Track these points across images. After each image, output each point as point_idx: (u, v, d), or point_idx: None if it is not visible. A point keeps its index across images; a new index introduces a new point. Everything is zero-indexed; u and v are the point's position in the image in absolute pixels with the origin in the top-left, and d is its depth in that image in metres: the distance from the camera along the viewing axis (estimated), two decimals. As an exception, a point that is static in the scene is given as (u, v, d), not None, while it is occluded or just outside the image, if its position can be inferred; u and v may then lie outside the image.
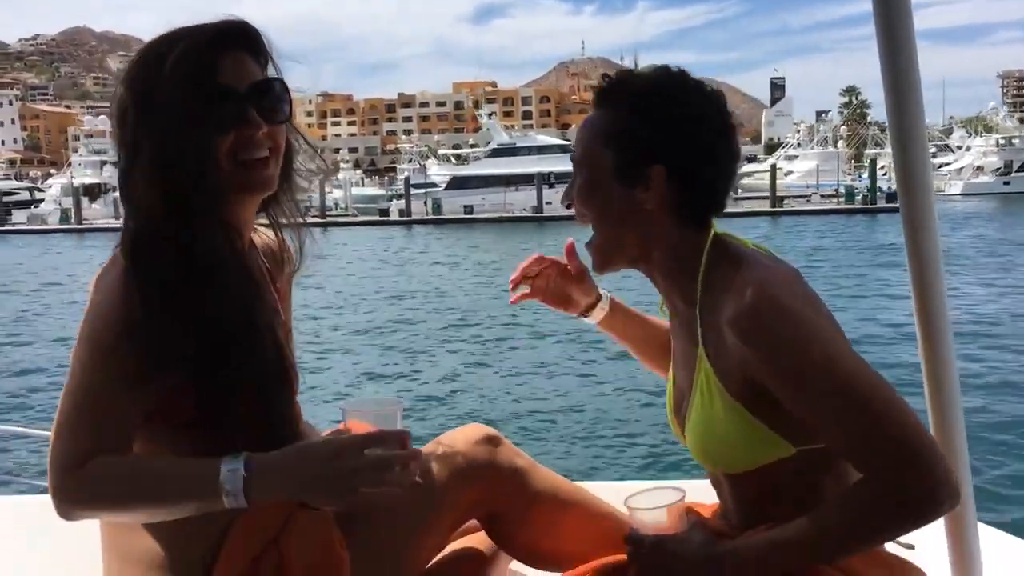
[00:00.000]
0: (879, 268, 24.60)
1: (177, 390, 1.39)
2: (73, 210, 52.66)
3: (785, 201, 51.49)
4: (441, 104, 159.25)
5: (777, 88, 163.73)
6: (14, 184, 72.49)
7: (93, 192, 56.30)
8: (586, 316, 1.87)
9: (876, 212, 45.81)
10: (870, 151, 74.08)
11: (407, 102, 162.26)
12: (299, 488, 1.35)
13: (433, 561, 1.69)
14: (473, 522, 1.74)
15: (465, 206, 50.18)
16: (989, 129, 76.52)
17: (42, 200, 61.35)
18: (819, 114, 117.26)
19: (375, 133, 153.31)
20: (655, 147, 1.46)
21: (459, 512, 1.67)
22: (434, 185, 54.89)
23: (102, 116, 75.38)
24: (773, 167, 54.22)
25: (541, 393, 12.33)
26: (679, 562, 1.40)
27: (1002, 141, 65.16)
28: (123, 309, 1.36)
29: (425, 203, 52.18)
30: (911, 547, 1.53)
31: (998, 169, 63.42)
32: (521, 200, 49.61)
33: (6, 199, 58.06)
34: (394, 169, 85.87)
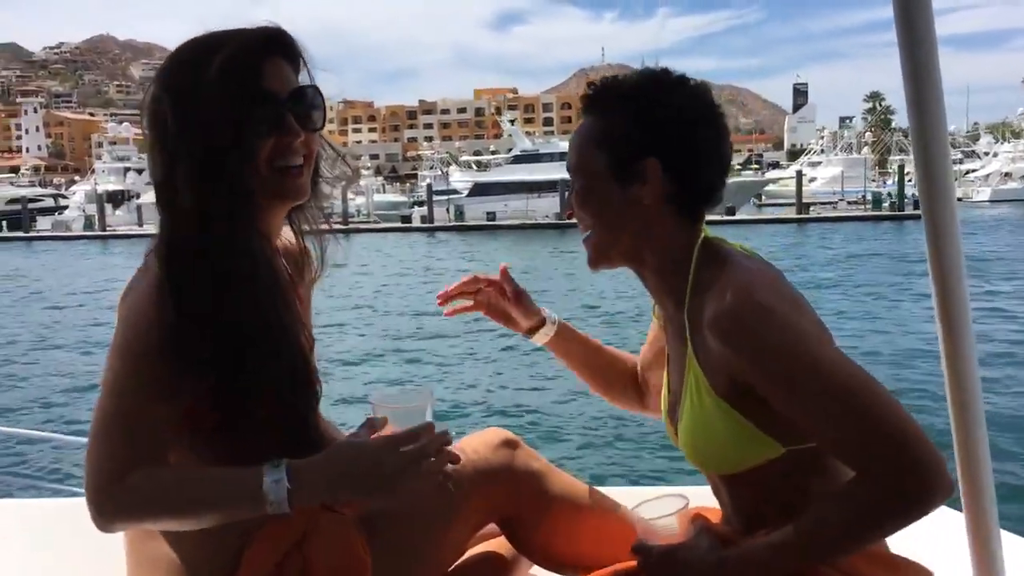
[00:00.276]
0: (915, 277, 24.12)
1: (201, 395, 1.39)
2: (97, 216, 52.83)
3: (811, 208, 50.86)
4: (462, 111, 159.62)
5: (800, 94, 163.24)
6: (38, 191, 72.65)
7: (116, 199, 56.54)
8: (529, 336, 1.94)
9: (904, 219, 45.12)
10: (895, 157, 73.59)
11: (428, 109, 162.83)
12: (341, 493, 1.38)
13: (454, 566, 1.71)
14: (494, 527, 1.76)
15: (488, 213, 50.00)
16: (1016, 135, 75.67)
17: (66, 207, 61.50)
18: (842, 120, 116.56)
19: (396, 140, 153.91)
20: (646, 142, 1.50)
21: (478, 515, 1.69)
22: (456, 192, 54.80)
23: (125, 123, 75.59)
24: (799, 173, 53.35)
25: (561, 398, 12.07)
26: (688, 570, 1.42)
27: (1030, 146, 64.41)
28: (156, 317, 1.36)
29: (448, 210, 52.04)
30: None
31: (1025, 175, 62.74)
32: (544, 207, 49.42)
33: (31, 206, 58.28)
34: (415, 176, 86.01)
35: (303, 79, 1.53)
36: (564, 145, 56.03)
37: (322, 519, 1.52)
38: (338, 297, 22.69)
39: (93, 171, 67.29)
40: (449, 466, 1.44)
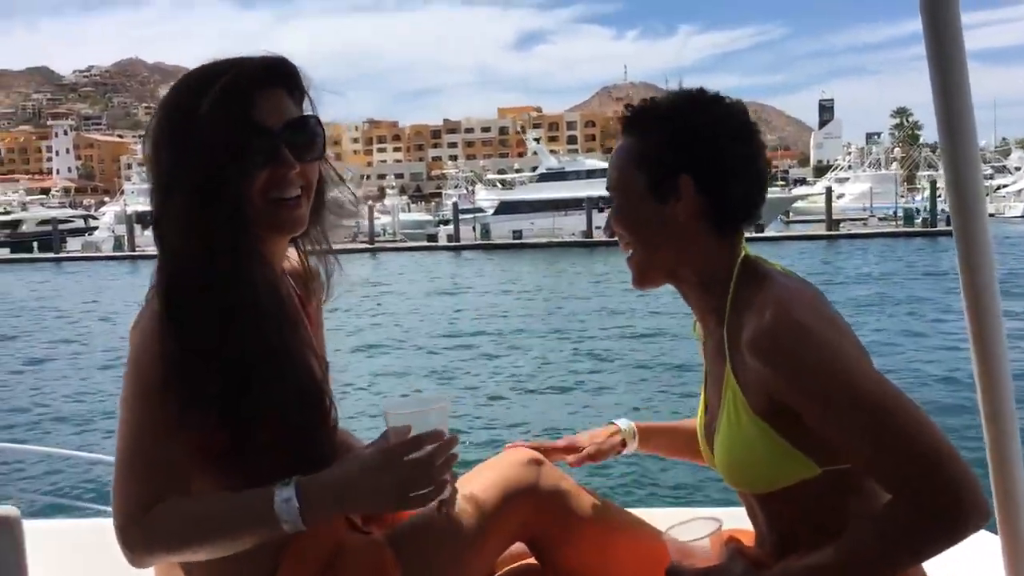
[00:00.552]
0: (957, 295, 23.57)
1: (211, 424, 1.40)
2: (126, 237, 53.33)
3: (841, 224, 50.29)
4: (486, 129, 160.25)
5: (825, 110, 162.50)
6: (69, 212, 73.47)
7: (145, 220, 56.65)
8: (621, 453, 1.94)
9: (937, 235, 44.54)
10: (923, 173, 72.93)
11: (452, 128, 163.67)
12: (352, 505, 1.41)
13: None
14: (523, 548, 1.75)
15: (514, 231, 49.94)
16: (1049, 149, 74.62)
17: (96, 228, 62.18)
18: (869, 136, 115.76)
19: (421, 159, 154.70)
20: (681, 159, 1.53)
21: (505, 534, 1.68)
22: (481, 210, 54.83)
23: (154, 145, 76.25)
24: (828, 190, 52.76)
25: (595, 417, 11.82)
26: None
27: (1065, 162, 63.61)
28: (160, 353, 1.38)
29: (474, 228, 52.02)
30: None
31: (1060, 190, 61.90)
32: (570, 225, 49.29)
33: (61, 227, 58.87)
34: (440, 195, 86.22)
35: (307, 109, 1.52)
36: (590, 163, 57.00)
37: (351, 540, 1.54)
38: (365, 316, 22.66)
39: (122, 192, 68.13)
40: (448, 490, 1.44)
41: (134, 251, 51.88)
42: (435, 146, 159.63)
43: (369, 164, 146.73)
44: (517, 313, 23.79)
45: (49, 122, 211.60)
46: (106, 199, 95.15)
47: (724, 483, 1.59)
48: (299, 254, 1.66)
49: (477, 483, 1.68)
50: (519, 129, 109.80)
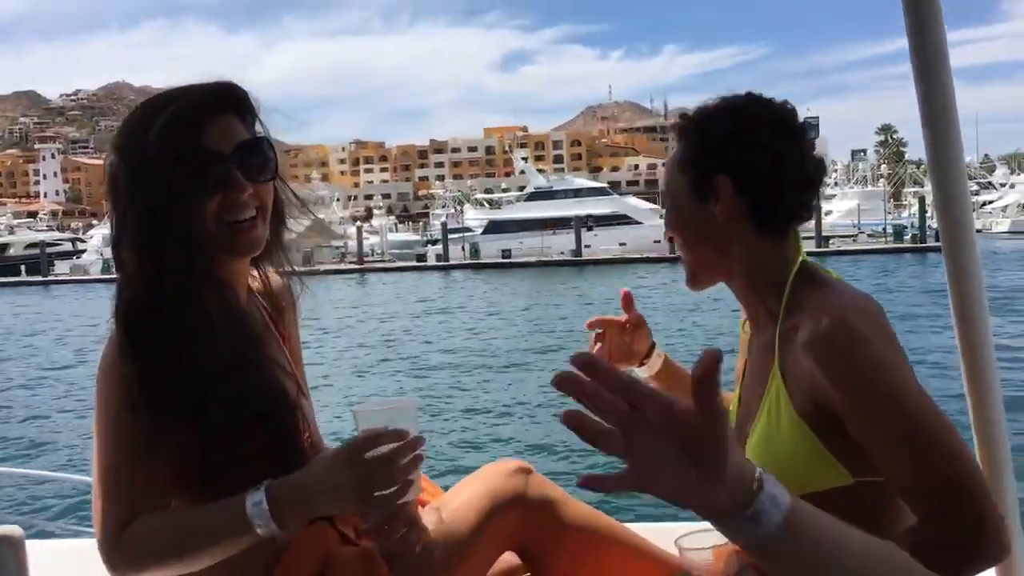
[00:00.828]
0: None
1: (181, 442, 1.43)
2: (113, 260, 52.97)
3: (831, 241, 50.42)
4: (472, 149, 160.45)
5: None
6: (56, 235, 73.03)
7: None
8: (643, 364, 1.92)
9: (926, 251, 44.71)
10: (908, 189, 73.41)
11: (439, 148, 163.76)
12: (320, 504, 1.41)
13: None
14: (515, 558, 1.76)
15: (503, 250, 49.90)
16: (1033, 165, 75.37)
17: (84, 251, 61.84)
18: (854, 153, 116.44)
19: (407, 179, 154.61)
20: (718, 160, 1.56)
21: (495, 544, 1.70)
22: (469, 230, 54.81)
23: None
24: (818, 206, 52.99)
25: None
26: None
27: (1051, 178, 64.16)
28: (120, 376, 1.42)
29: (463, 248, 52.00)
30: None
31: (1046, 206, 62.40)
32: (559, 243, 49.32)
33: (49, 250, 58.53)
34: (427, 215, 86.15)
35: (259, 131, 1.55)
36: (579, 182, 57.22)
37: (341, 552, 1.56)
38: (356, 336, 22.53)
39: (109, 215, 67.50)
40: (413, 493, 1.43)
41: (121, 274, 51.42)
42: (422, 166, 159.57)
43: (356, 185, 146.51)
44: (507, 332, 23.69)
45: (36, 145, 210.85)
46: (94, 222, 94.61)
47: None
48: (259, 274, 1.69)
49: (465, 494, 1.71)
50: (506, 148, 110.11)
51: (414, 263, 53.22)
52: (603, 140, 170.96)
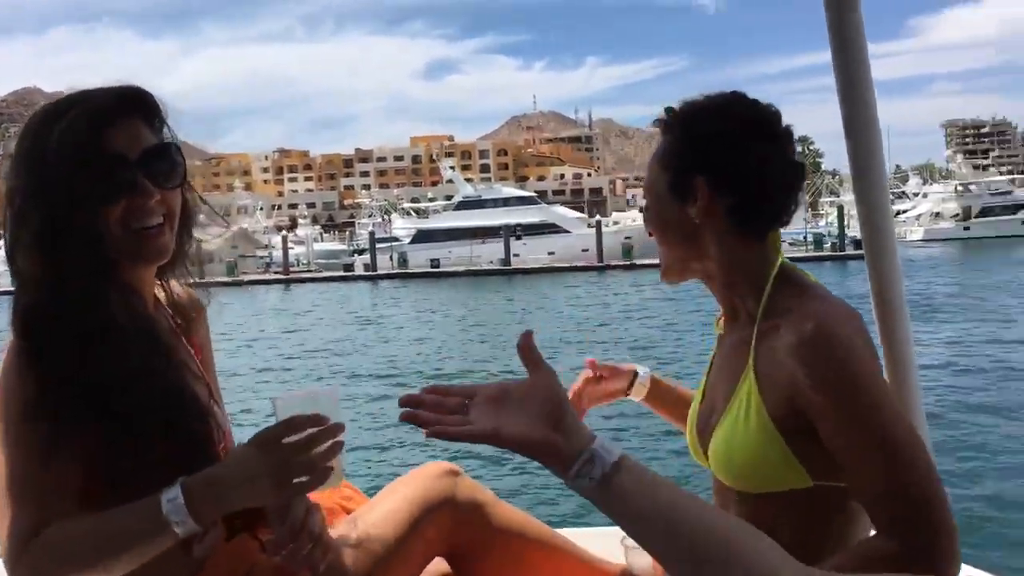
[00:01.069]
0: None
1: (89, 447, 1.40)
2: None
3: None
4: (399, 158, 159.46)
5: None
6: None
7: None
8: (628, 395, 1.96)
9: (846, 259, 45.76)
10: (825, 199, 75.47)
11: (364, 157, 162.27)
12: (239, 495, 1.36)
13: None
14: (445, 566, 1.75)
15: (431, 260, 49.57)
16: (944, 176, 78.26)
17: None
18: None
19: (333, 188, 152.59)
20: (696, 160, 1.56)
21: (424, 549, 1.68)
22: (397, 239, 54.30)
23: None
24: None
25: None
26: None
27: (960, 188, 67.14)
28: (20, 384, 1.37)
29: (391, 257, 51.53)
30: None
31: (956, 215, 65.24)
32: (488, 252, 49.22)
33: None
34: (353, 224, 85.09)
35: (167, 137, 1.52)
36: (507, 191, 57.12)
37: (264, 561, 1.52)
38: (283, 347, 22.03)
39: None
40: (332, 481, 1.38)
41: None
42: (347, 175, 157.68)
43: (280, 194, 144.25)
44: (437, 341, 23.44)
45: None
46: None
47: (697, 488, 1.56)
48: (164, 284, 1.64)
49: (393, 498, 1.68)
50: (434, 157, 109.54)
51: (341, 273, 52.43)
52: (529, 150, 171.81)
